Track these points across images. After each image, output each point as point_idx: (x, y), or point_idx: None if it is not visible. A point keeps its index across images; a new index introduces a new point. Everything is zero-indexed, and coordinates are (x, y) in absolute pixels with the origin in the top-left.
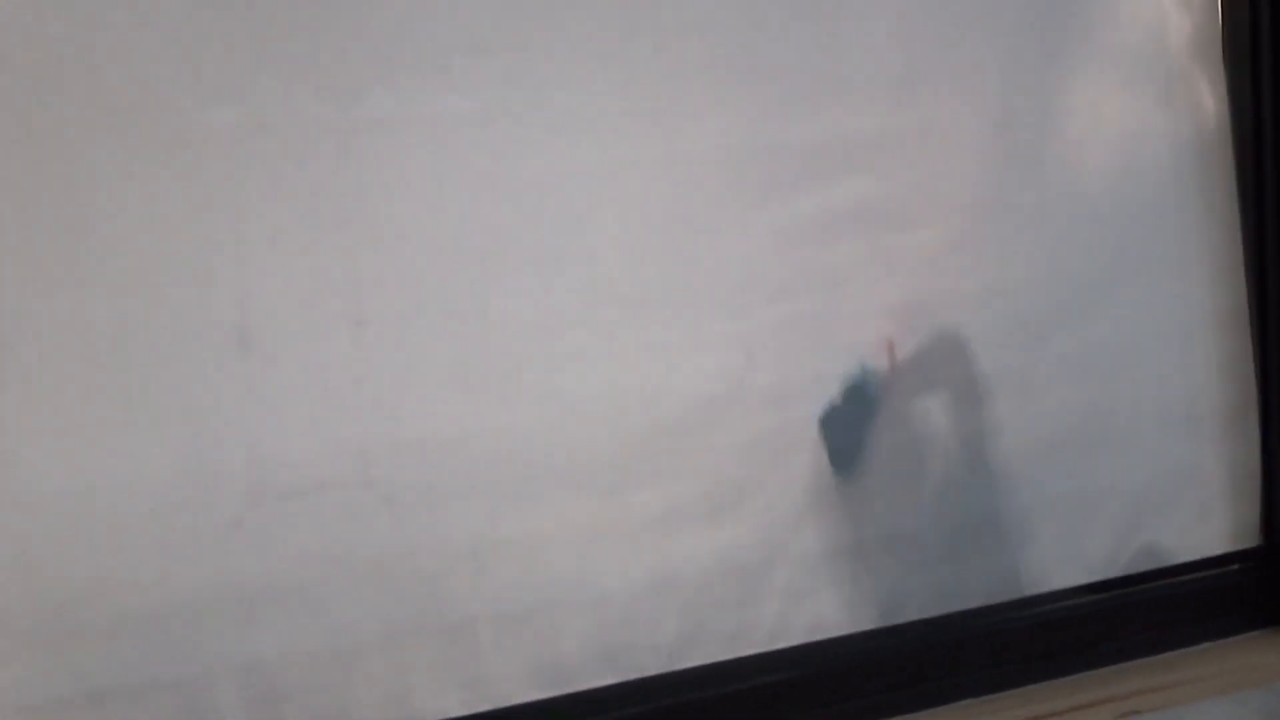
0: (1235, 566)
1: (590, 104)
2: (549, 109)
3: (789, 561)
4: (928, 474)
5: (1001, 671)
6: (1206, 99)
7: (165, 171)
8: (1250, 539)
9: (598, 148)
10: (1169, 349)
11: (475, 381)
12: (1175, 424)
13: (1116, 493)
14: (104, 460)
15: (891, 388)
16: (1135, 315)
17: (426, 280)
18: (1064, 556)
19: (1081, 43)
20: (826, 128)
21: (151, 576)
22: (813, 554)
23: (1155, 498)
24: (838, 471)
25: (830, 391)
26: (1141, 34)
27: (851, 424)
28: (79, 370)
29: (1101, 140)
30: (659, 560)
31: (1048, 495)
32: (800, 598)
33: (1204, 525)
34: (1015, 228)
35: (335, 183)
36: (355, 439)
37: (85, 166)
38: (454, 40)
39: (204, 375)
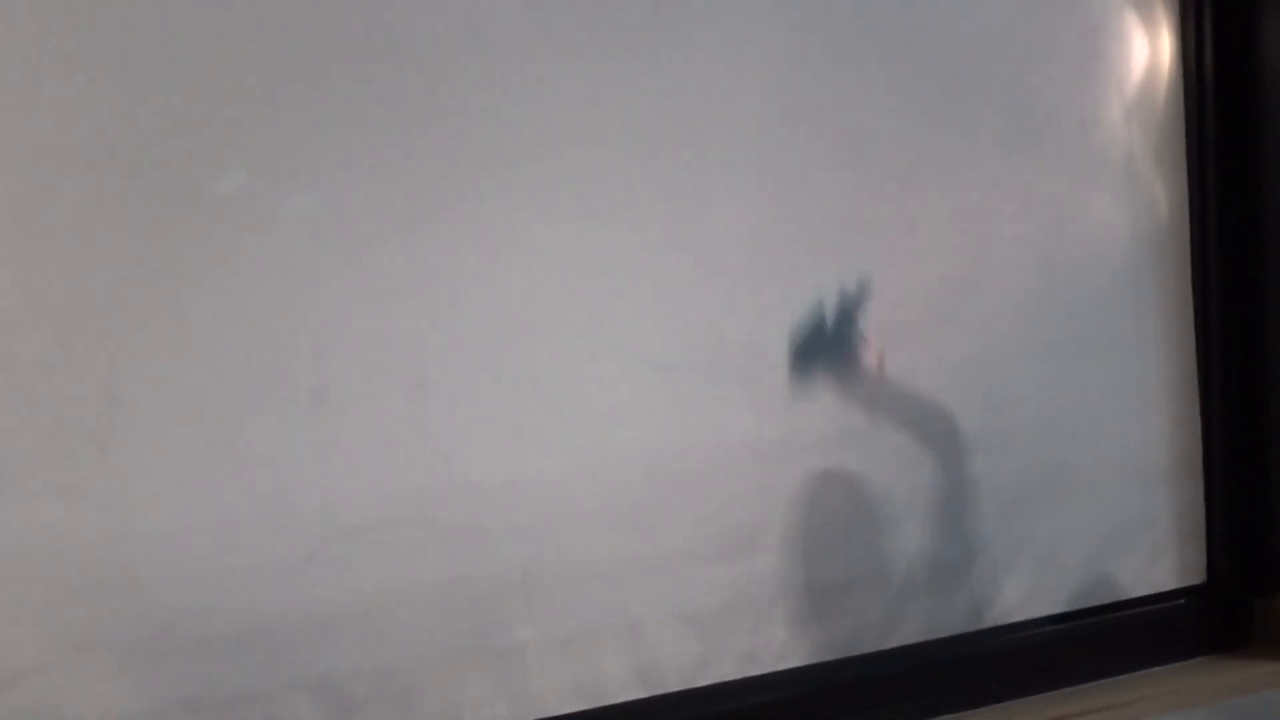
0: (1181, 601)
1: (626, 195)
2: (591, 199)
3: (795, 594)
4: (917, 519)
5: (977, 691)
6: (1161, 197)
7: (252, 252)
8: (1195, 577)
9: (633, 233)
10: (1127, 413)
11: (523, 434)
12: (1132, 477)
13: (1080, 536)
14: (198, 501)
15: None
16: (1098, 383)
17: (480, 346)
18: (1034, 590)
19: (1056, 146)
20: (827, 217)
21: (238, 602)
22: (816, 587)
23: (1114, 541)
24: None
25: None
26: (1107, 140)
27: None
28: (177, 423)
29: (1071, 230)
30: (683, 592)
31: (1021, 538)
32: (806, 624)
33: (1155, 565)
34: (993, 305)
35: (400, 261)
36: (415, 484)
37: (184, 248)
38: (510, 137)
39: (284, 427)
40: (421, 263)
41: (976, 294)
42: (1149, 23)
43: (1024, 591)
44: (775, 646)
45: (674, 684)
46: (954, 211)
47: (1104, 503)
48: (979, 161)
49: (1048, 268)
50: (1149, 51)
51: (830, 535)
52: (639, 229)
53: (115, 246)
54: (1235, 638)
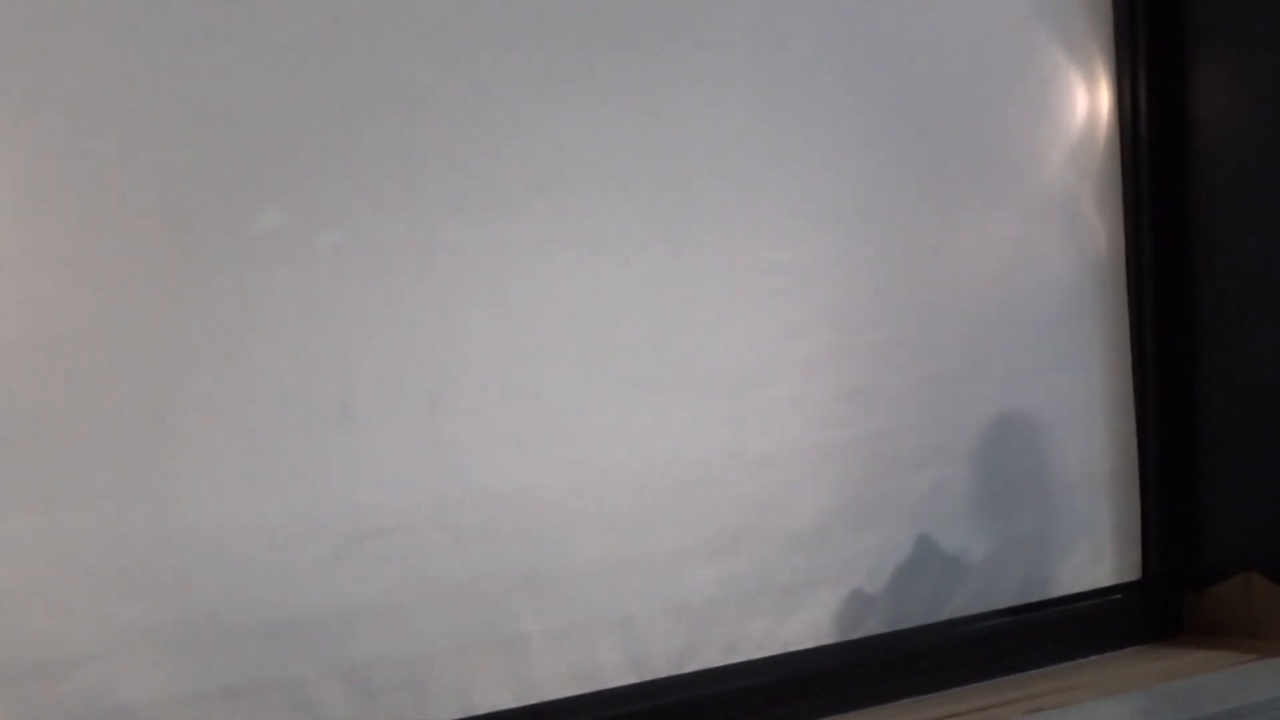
0: (1119, 596)
1: (619, 232)
2: (585, 235)
3: (773, 590)
4: (884, 522)
5: (936, 676)
6: (1101, 232)
7: (285, 283)
8: (1132, 574)
9: (625, 265)
10: (1070, 427)
11: (527, 447)
12: (1075, 485)
13: (1031, 537)
14: (237, 506)
15: None
16: (1046, 400)
17: (489, 368)
18: (989, 587)
19: (1007, 187)
20: (801, 251)
21: (273, 598)
22: (792, 584)
23: (1059, 542)
24: None
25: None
26: (1053, 182)
27: None
28: (219, 436)
29: (1020, 262)
30: (671, 588)
31: (979, 540)
32: (781, 618)
33: (1096, 564)
34: (951, 331)
35: (418, 291)
36: (431, 491)
37: (225, 280)
38: (515, 180)
39: (314, 441)
40: (436, 293)
41: (934, 319)
42: (1090, 77)
43: (978, 587)
44: (755, 638)
45: (663, 671)
46: (916, 246)
47: (1049, 507)
48: (939, 201)
49: (1000, 296)
50: (1090, 103)
51: (803, 537)
52: (631, 263)
53: (163, 278)
54: (1168, 629)
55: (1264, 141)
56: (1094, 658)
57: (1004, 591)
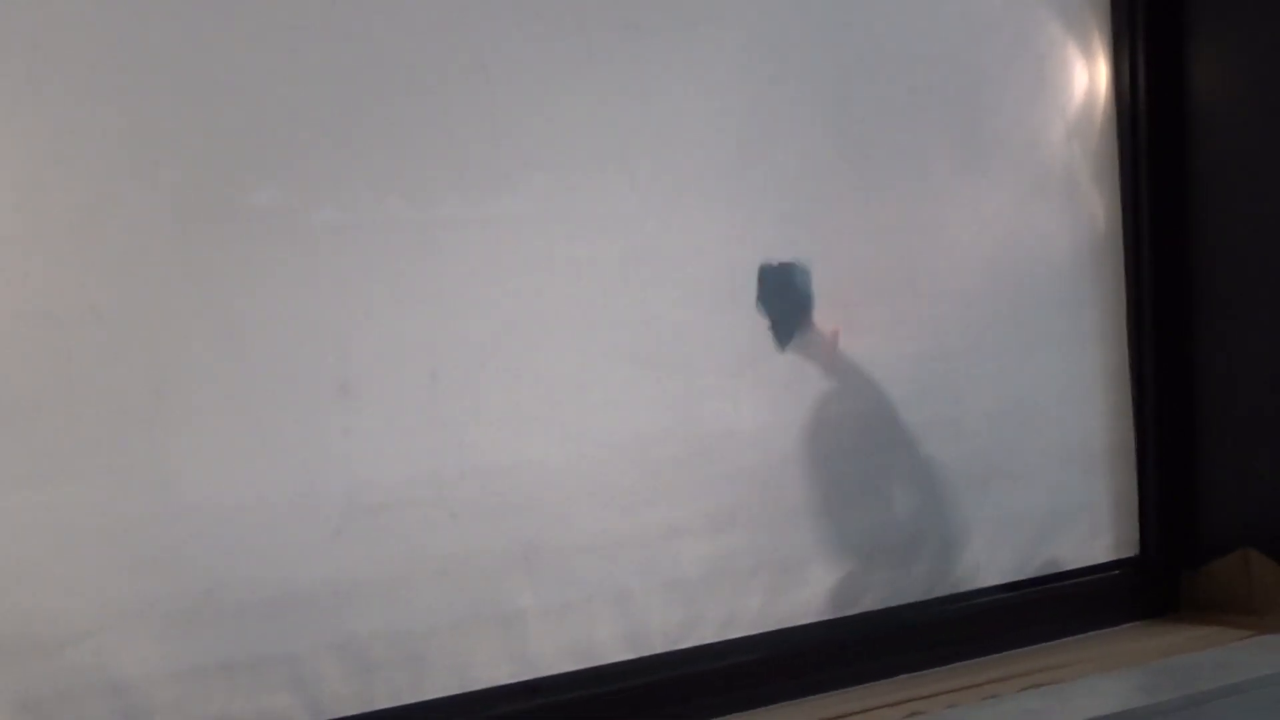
0: (1117, 572)
1: (614, 208)
2: (582, 212)
3: (770, 565)
4: (880, 498)
5: (933, 652)
6: (1099, 209)
7: (284, 259)
8: (1129, 550)
9: (620, 242)
10: (1067, 403)
11: (525, 423)
12: (1072, 461)
13: (1028, 514)
14: (235, 482)
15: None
16: (1041, 377)
17: (487, 343)
18: (986, 563)
19: (1004, 163)
20: (795, 227)
21: (270, 574)
22: (788, 560)
23: (1057, 518)
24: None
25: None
26: (1050, 158)
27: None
28: (217, 413)
29: (1017, 239)
30: (668, 564)
31: (976, 516)
32: (778, 593)
33: (1093, 540)
34: (948, 307)
35: (417, 268)
36: (429, 467)
37: (224, 256)
38: (512, 158)
39: (313, 416)
40: (434, 270)
41: (931, 296)
42: (1088, 53)
43: (975, 563)
44: (752, 613)
45: (660, 646)
46: (911, 222)
47: (1047, 483)
48: (934, 177)
49: (996, 272)
50: (1088, 79)
51: (800, 513)
52: (626, 240)
53: (162, 255)
54: (1165, 606)
55: (1264, 118)
56: (1091, 634)
57: (1001, 567)
